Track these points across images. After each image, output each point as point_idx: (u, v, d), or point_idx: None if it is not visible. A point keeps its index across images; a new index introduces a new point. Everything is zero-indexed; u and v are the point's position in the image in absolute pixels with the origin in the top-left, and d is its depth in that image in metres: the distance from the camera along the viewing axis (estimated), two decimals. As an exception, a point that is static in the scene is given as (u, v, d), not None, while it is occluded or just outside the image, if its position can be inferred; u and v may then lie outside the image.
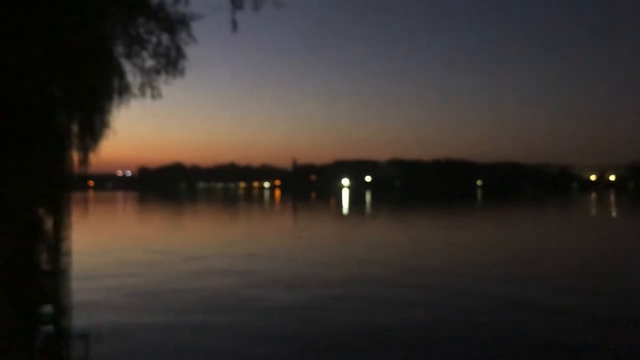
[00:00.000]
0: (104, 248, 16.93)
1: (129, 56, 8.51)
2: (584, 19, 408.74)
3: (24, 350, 6.67)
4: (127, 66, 8.68)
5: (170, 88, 8.77)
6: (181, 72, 8.59)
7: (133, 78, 8.68)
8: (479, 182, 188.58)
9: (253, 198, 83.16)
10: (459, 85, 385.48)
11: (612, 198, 68.84)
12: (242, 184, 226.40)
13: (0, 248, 9.12)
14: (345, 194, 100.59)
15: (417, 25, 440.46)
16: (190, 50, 8.56)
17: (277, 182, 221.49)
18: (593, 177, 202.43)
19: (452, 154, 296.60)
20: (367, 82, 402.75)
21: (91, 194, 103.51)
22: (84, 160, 9.32)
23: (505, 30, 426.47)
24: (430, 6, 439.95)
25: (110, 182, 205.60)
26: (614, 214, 36.55)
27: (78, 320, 8.12)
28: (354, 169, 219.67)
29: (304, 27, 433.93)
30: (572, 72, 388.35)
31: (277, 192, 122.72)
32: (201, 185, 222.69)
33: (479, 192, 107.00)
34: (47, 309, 9.22)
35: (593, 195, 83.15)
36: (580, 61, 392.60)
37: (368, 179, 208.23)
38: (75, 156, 9.46)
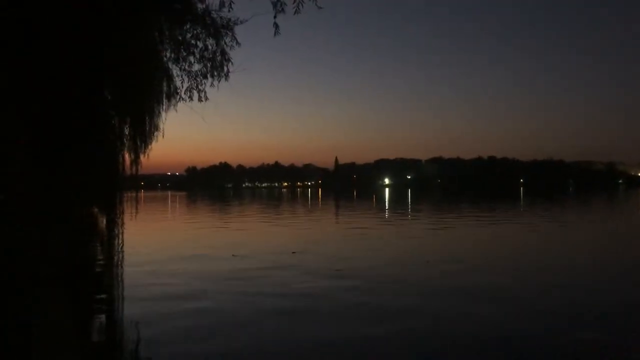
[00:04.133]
0: (154, 247, 17.57)
1: (176, 61, 8.83)
2: (628, 18, 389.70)
3: (80, 336, 7.04)
4: (175, 70, 9.02)
5: (216, 91, 9.05)
6: (226, 75, 8.83)
7: (180, 82, 9.01)
8: (521, 180, 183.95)
9: (297, 197, 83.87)
10: (502, 83, 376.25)
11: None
12: (285, 183, 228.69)
13: (58, 244, 9.66)
14: (386, 193, 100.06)
15: (459, 24, 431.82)
16: (234, 54, 8.80)
17: (320, 181, 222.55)
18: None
19: (495, 152, 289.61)
20: (409, 82, 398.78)
21: (142, 193, 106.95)
22: (135, 161, 9.73)
23: (547, 27, 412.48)
24: (472, 6, 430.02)
25: (159, 183, 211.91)
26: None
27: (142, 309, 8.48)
28: (395, 167, 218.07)
29: (346, 29, 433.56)
30: (616, 68, 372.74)
31: (319, 191, 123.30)
32: (246, 184, 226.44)
33: (522, 190, 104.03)
34: (101, 299, 9.72)
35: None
36: (624, 57, 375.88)
37: (409, 177, 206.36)
38: (127, 157, 9.90)
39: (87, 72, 8.38)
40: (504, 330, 7.39)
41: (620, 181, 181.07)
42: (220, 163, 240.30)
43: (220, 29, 8.47)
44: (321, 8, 6.24)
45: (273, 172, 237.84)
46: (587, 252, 15.43)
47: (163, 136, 9.59)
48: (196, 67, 8.78)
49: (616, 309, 8.52)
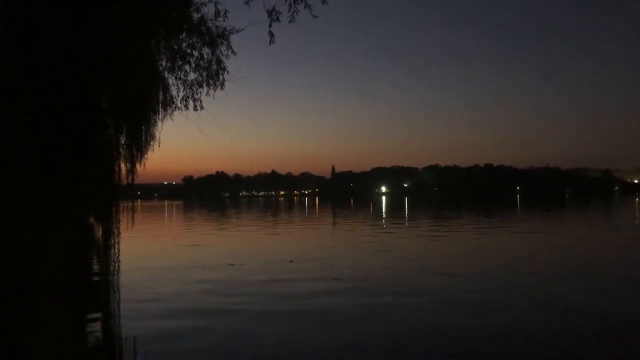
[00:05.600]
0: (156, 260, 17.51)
1: (172, 70, 8.87)
2: (627, 25, 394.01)
3: (75, 350, 7.00)
4: (171, 79, 9.05)
5: (211, 100, 9.08)
6: (222, 84, 8.87)
7: (176, 91, 9.04)
8: (518, 188, 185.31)
9: (294, 205, 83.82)
10: (498, 91, 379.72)
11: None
12: (282, 192, 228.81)
13: (54, 254, 9.61)
14: (383, 201, 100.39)
15: (456, 31, 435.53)
16: (230, 63, 8.85)
17: (316, 190, 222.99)
18: (636, 181, 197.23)
19: (492, 160, 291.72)
20: (405, 90, 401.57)
21: (138, 203, 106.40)
22: (131, 171, 9.72)
23: (544, 35, 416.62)
24: (469, 13, 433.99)
25: (156, 192, 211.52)
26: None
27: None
28: (392, 175, 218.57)
29: (341, 38, 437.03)
30: (612, 75, 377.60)
31: (317, 200, 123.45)
32: (243, 193, 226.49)
33: (518, 198, 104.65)
34: (97, 311, 9.65)
35: (638, 200, 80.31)
36: (621, 65, 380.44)
37: (405, 185, 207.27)
38: (123, 167, 9.88)
39: (85, 81, 8.39)
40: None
41: (616, 188, 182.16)
42: (217, 172, 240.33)
43: (215, 38, 8.53)
44: (316, 17, 6.30)
45: (270, 180, 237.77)
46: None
47: (159, 145, 9.60)
48: (192, 76, 8.83)
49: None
